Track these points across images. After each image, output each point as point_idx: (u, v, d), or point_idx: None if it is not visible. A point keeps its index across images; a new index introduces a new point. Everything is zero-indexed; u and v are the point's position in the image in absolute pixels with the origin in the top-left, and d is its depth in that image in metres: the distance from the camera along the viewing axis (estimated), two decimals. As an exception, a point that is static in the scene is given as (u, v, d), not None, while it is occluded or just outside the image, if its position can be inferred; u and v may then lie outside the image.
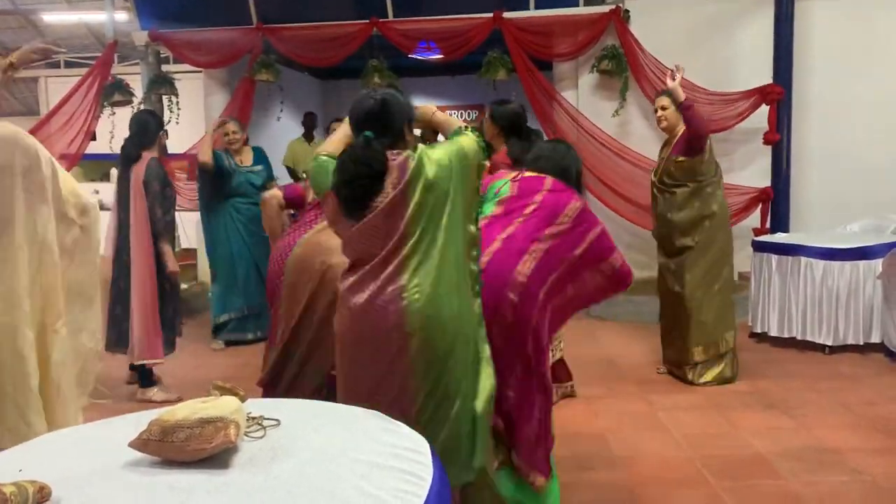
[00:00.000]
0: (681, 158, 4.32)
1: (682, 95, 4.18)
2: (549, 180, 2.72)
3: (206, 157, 5.37)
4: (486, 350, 2.29)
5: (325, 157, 2.29)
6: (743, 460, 3.33)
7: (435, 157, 2.20)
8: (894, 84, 6.41)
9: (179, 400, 4.27)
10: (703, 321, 4.39)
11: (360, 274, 2.18)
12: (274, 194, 3.39)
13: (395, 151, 2.19)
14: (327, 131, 5.86)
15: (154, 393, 4.41)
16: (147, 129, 4.43)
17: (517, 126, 4.00)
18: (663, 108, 4.40)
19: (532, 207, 2.63)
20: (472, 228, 2.29)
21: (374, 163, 2.14)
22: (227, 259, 5.63)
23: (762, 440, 3.53)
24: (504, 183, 2.76)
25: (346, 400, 2.13)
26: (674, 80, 4.25)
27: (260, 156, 5.76)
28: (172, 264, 4.37)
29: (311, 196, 3.34)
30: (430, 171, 2.17)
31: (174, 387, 4.56)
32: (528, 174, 2.79)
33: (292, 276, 3.22)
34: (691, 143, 4.25)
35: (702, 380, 4.41)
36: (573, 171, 2.82)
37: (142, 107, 7.34)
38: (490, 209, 2.68)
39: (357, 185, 2.14)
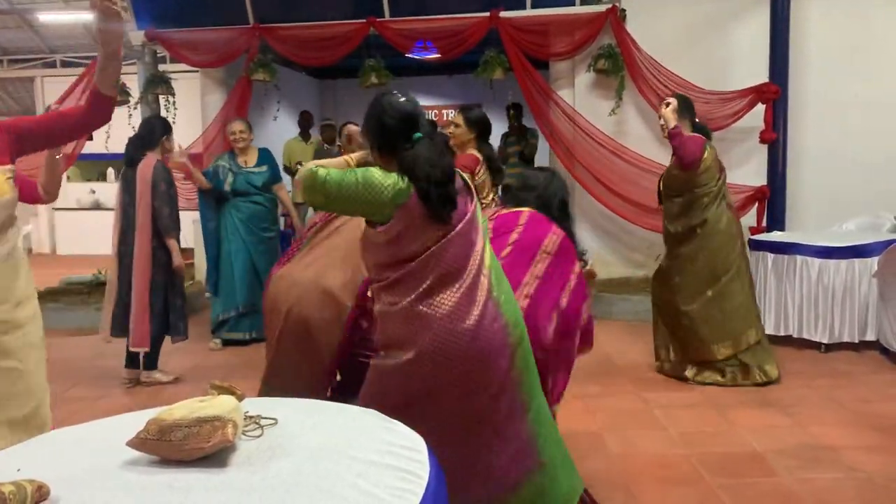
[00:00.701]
0: (676, 171, 4.40)
1: (672, 123, 4.22)
2: (524, 214, 2.67)
3: (204, 184, 5.53)
4: None
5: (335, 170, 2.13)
6: (739, 458, 3.35)
7: None
8: (890, 82, 6.42)
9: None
10: (695, 327, 4.41)
11: (458, 294, 2.05)
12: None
13: None
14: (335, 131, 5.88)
15: (159, 375, 4.73)
16: (152, 133, 4.73)
17: (489, 130, 4.06)
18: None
19: (507, 250, 2.56)
20: None
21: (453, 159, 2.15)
22: (224, 256, 5.64)
23: (758, 438, 3.55)
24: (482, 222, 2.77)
25: (445, 433, 2.02)
26: (667, 107, 4.28)
27: (265, 157, 5.77)
28: (178, 259, 4.60)
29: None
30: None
31: (172, 386, 4.65)
32: (504, 211, 2.76)
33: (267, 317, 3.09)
34: (683, 164, 4.31)
35: (698, 378, 4.44)
36: (554, 202, 2.78)
37: (138, 107, 7.34)
38: None
39: (451, 182, 2.08)
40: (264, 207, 5.68)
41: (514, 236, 2.61)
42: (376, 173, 2.07)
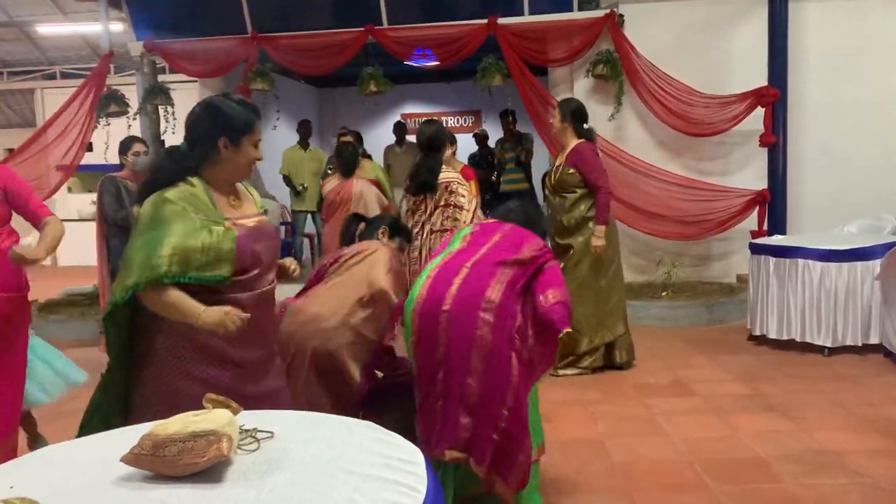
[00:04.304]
0: (571, 171, 4.61)
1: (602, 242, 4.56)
2: (510, 224, 2.82)
3: None
4: None
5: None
6: (742, 464, 3.32)
7: None
8: (889, 83, 6.42)
9: None
10: (584, 315, 4.55)
11: None
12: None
13: None
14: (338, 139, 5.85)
15: None
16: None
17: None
18: (552, 119, 4.80)
19: (497, 237, 2.72)
20: None
21: None
22: None
23: (761, 443, 3.52)
24: (466, 230, 2.89)
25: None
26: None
27: None
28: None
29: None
30: None
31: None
32: (488, 221, 2.91)
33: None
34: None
35: (562, 372, 4.64)
36: (540, 225, 2.91)
37: (137, 117, 7.35)
38: (455, 245, 2.76)
39: None
40: None
41: (503, 229, 2.76)
42: None
